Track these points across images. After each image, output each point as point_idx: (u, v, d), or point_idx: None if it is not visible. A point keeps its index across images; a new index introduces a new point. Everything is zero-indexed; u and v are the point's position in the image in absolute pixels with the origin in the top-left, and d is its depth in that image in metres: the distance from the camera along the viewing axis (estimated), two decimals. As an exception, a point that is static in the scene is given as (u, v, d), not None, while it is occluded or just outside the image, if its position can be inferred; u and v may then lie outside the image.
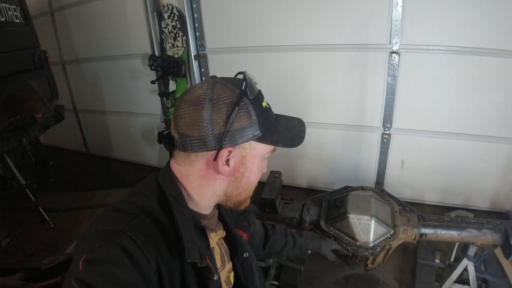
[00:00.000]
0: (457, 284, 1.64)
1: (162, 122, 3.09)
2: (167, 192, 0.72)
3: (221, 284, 0.80)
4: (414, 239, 1.44)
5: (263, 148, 0.75)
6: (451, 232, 1.42)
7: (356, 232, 1.38)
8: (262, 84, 0.75)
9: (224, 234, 0.90)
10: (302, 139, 0.81)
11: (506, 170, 2.25)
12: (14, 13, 2.19)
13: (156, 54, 2.80)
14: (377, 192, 1.55)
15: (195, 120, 0.68)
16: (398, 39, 2.11)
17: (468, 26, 1.97)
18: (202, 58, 2.74)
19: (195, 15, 2.59)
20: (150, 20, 2.72)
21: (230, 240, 0.91)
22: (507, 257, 1.38)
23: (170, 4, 2.62)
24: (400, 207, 1.53)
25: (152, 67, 2.75)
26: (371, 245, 1.36)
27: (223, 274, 0.86)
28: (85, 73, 3.48)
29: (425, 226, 1.44)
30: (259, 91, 0.73)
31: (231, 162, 0.72)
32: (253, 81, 0.72)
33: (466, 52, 2.02)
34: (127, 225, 0.63)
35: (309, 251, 1.35)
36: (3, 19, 2.06)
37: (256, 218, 1.24)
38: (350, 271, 1.91)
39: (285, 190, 2.73)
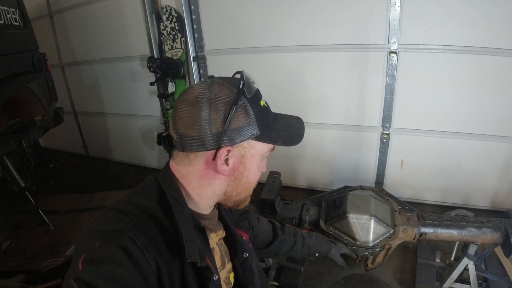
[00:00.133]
0: (457, 283, 1.64)
1: (162, 123, 3.09)
2: (167, 192, 0.72)
3: (220, 284, 0.80)
4: (414, 239, 1.44)
5: (262, 147, 0.75)
6: (451, 231, 1.42)
7: (355, 231, 1.38)
8: (261, 85, 0.75)
9: (224, 234, 0.90)
10: (301, 137, 0.81)
11: (505, 168, 2.25)
12: (13, 16, 2.19)
13: (155, 55, 2.81)
14: (376, 191, 1.55)
15: (193, 120, 0.68)
16: (396, 38, 2.12)
17: (466, 25, 1.97)
18: (200, 60, 2.74)
19: (194, 17, 2.60)
20: (149, 22, 2.73)
21: (230, 240, 0.91)
22: (507, 255, 1.38)
23: (168, 6, 2.63)
24: (399, 207, 1.53)
25: (151, 69, 2.75)
26: (370, 244, 1.36)
27: (222, 274, 0.85)
28: (84, 75, 3.48)
29: (425, 225, 1.44)
30: (257, 90, 0.73)
31: (230, 162, 0.72)
32: (251, 80, 0.72)
33: (465, 51, 2.03)
34: (127, 225, 0.63)
35: (317, 254, 1.32)
36: (2, 22, 2.07)
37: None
38: (350, 272, 1.90)
39: (284, 190, 2.74)
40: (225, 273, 0.87)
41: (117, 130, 3.59)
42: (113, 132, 3.64)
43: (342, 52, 2.32)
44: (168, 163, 0.78)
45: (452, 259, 1.73)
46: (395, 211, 1.48)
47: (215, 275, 0.74)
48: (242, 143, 0.71)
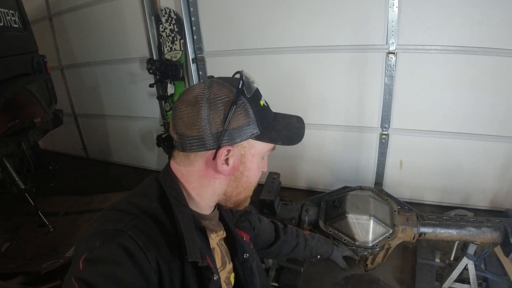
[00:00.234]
0: (457, 283, 1.64)
1: (161, 125, 3.10)
2: (167, 192, 0.72)
3: (220, 284, 0.80)
4: (413, 238, 1.44)
5: (262, 147, 0.75)
6: (450, 231, 1.42)
7: (355, 232, 1.38)
8: (260, 86, 0.75)
9: (225, 235, 0.90)
10: (301, 136, 0.81)
11: (504, 168, 2.25)
12: (13, 18, 2.20)
13: (154, 57, 2.81)
14: (375, 192, 1.55)
15: (193, 120, 0.68)
16: (395, 39, 2.13)
17: (464, 25, 1.98)
18: (200, 61, 2.75)
19: (193, 19, 2.60)
20: (148, 24, 2.74)
21: (230, 240, 0.91)
22: (507, 255, 1.38)
23: (167, 8, 2.64)
24: (398, 207, 1.53)
25: (150, 71, 2.76)
26: (370, 244, 1.37)
27: (223, 275, 0.86)
28: (84, 77, 3.48)
29: (424, 225, 1.44)
30: (257, 90, 0.74)
31: (230, 161, 0.72)
32: (250, 79, 0.72)
33: (463, 52, 2.04)
34: (127, 224, 0.64)
35: (318, 256, 1.31)
36: (1, 24, 2.08)
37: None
38: (350, 272, 1.90)
39: (284, 191, 2.74)
40: (226, 274, 0.87)
41: (117, 132, 3.59)
42: (113, 134, 3.64)
43: (341, 53, 2.32)
44: (168, 163, 0.79)
45: (451, 259, 1.74)
46: (394, 211, 1.49)
47: (215, 275, 0.74)
48: (242, 142, 0.72)
